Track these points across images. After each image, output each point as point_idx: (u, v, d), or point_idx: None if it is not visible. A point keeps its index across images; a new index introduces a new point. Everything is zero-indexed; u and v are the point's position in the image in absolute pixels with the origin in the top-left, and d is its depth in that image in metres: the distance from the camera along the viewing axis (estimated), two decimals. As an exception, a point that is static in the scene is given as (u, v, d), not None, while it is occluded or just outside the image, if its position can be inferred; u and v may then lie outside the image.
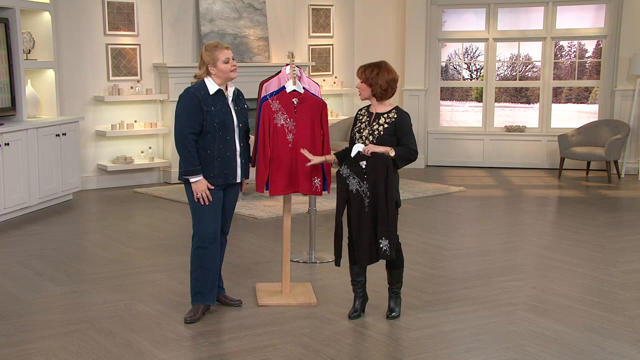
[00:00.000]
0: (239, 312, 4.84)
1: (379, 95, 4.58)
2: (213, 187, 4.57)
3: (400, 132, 4.54)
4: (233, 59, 4.58)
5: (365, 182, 4.51)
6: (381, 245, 4.49)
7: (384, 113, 4.60)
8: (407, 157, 4.52)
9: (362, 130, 4.62)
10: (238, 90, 4.73)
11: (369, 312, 4.80)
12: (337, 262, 4.74)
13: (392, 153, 4.47)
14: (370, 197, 4.51)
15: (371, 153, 4.46)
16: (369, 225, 4.52)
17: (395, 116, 4.57)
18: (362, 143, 4.58)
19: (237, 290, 5.21)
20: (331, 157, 4.83)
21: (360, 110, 4.74)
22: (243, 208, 7.86)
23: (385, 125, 4.55)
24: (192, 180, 4.52)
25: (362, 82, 4.60)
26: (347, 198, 4.58)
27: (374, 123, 4.59)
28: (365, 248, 4.54)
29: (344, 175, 4.57)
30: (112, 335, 4.43)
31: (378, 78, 4.54)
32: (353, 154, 4.54)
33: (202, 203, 4.55)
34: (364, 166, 4.50)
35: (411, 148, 4.53)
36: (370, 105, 4.69)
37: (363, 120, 4.65)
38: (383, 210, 4.48)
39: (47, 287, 5.35)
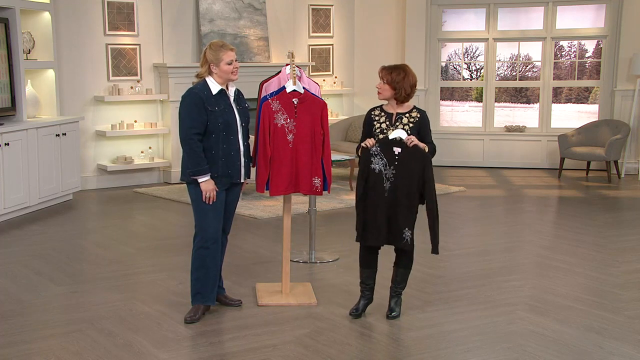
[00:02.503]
0: (239, 312, 4.84)
1: (402, 98, 4.58)
2: (218, 190, 4.57)
3: (423, 131, 4.61)
4: (236, 61, 4.59)
5: (392, 168, 4.51)
6: (404, 235, 4.53)
7: (406, 113, 4.61)
8: (433, 154, 4.64)
9: (385, 131, 4.60)
10: (238, 90, 4.73)
11: (369, 312, 4.80)
12: (357, 238, 4.67)
13: (426, 150, 4.55)
14: (393, 183, 4.50)
15: (413, 145, 4.48)
16: (385, 209, 4.52)
17: (418, 116, 4.61)
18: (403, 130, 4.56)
19: (237, 290, 5.21)
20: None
21: (374, 110, 4.69)
22: (243, 208, 7.86)
23: (411, 125, 4.58)
24: (200, 180, 4.52)
25: (385, 83, 4.57)
26: (366, 175, 4.57)
27: (397, 123, 4.58)
28: (375, 229, 4.54)
29: (371, 152, 4.54)
30: (112, 335, 4.43)
31: (404, 82, 4.55)
32: (392, 136, 4.52)
33: (209, 203, 4.55)
34: (397, 152, 4.50)
35: (434, 145, 4.64)
36: (382, 105, 4.68)
37: (382, 121, 4.64)
38: (413, 203, 4.51)
39: (47, 287, 5.35)
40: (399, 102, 4.61)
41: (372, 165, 4.55)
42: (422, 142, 4.56)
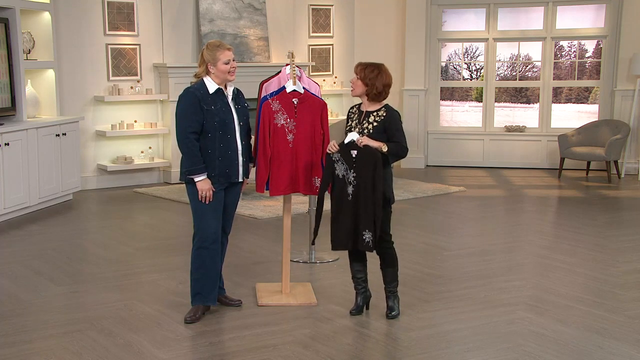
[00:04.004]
0: (239, 312, 4.84)
1: (372, 96, 4.60)
2: (215, 190, 4.58)
3: (390, 130, 4.58)
4: (234, 60, 4.59)
5: (352, 171, 4.54)
6: (364, 237, 4.52)
7: (374, 111, 4.63)
8: (399, 153, 4.59)
9: (352, 129, 4.64)
10: (237, 89, 4.73)
11: (368, 311, 4.80)
12: (313, 240, 4.85)
13: (385, 149, 4.51)
14: (355, 186, 4.53)
15: (363, 145, 4.48)
16: (350, 213, 4.55)
17: (384, 114, 4.61)
18: (358, 133, 4.59)
19: (237, 290, 5.21)
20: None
21: (352, 108, 4.76)
22: (243, 208, 7.86)
23: (375, 124, 4.59)
24: (196, 179, 4.52)
25: (358, 79, 4.61)
26: (332, 181, 4.61)
27: (364, 121, 4.61)
28: (343, 234, 4.58)
29: (333, 159, 4.59)
30: (112, 335, 4.43)
31: (376, 80, 4.57)
32: (347, 140, 4.56)
33: (205, 202, 4.55)
34: (354, 155, 4.52)
35: (402, 144, 4.58)
36: (361, 103, 4.71)
37: (354, 119, 4.68)
38: (368, 204, 4.50)
39: (47, 287, 5.35)
40: (370, 99, 4.62)
41: (336, 172, 4.58)
42: (390, 139, 4.55)
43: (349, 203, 4.55)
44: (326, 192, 4.67)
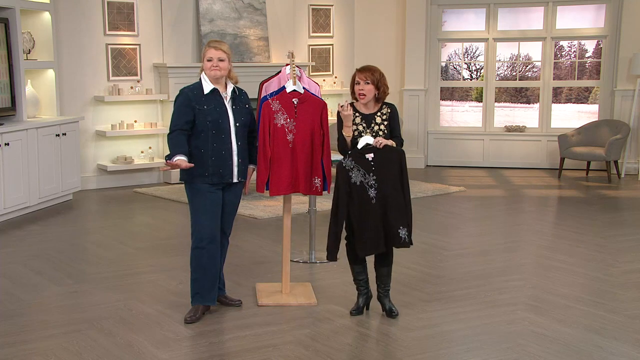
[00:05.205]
0: (239, 312, 4.84)
1: (380, 97, 4.63)
2: (212, 189, 4.56)
3: (393, 124, 4.65)
4: (220, 60, 4.54)
5: (372, 174, 4.52)
6: (400, 234, 4.52)
7: (377, 111, 4.65)
8: (400, 147, 4.66)
9: (362, 134, 4.61)
10: (239, 89, 4.72)
11: (368, 311, 4.80)
12: (334, 257, 4.65)
13: (394, 145, 4.57)
14: (378, 188, 4.52)
15: (383, 146, 4.50)
16: (377, 216, 4.52)
17: (389, 110, 4.66)
18: (371, 136, 4.58)
19: (237, 290, 5.21)
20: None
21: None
22: (243, 208, 7.85)
23: (385, 122, 4.62)
24: (172, 159, 4.43)
25: (368, 84, 4.58)
26: (349, 190, 4.56)
27: (372, 124, 4.60)
28: (373, 237, 4.53)
29: (347, 168, 4.56)
30: (112, 335, 4.43)
31: (383, 80, 4.63)
32: (360, 145, 4.54)
33: (167, 163, 4.42)
34: (370, 159, 4.50)
35: (401, 138, 4.69)
36: (355, 105, 4.69)
37: (358, 122, 4.65)
38: (400, 201, 4.52)
39: (47, 287, 5.35)
40: (376, 101, 4.65)
41: (352, 180, 4.56)
42: (391, 135, 4.61)
43: (374, 206, 4.53)
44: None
